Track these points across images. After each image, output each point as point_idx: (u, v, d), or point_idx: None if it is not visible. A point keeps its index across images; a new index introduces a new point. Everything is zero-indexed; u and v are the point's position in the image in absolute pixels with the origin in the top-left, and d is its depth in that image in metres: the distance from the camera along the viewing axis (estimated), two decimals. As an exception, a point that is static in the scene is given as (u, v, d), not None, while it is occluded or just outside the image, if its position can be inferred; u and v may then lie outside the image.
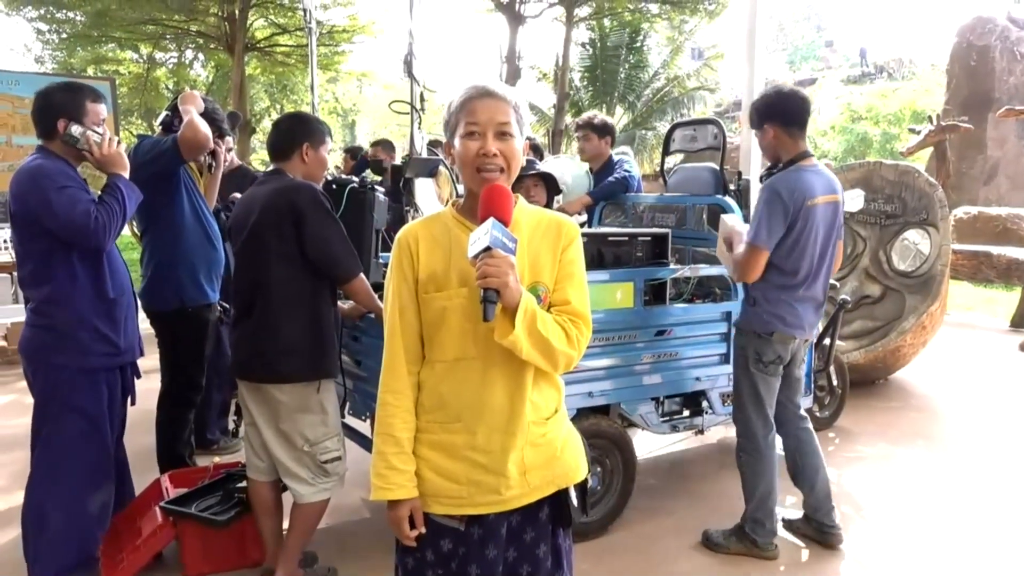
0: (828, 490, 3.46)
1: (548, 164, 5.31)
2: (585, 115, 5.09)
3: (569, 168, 5.17)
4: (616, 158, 4.87)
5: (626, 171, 4.67)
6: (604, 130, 4.89)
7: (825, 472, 3.46)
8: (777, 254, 3.16)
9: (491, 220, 1.53)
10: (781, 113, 3.23)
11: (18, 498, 3.90)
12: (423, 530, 1.70)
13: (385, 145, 7.19)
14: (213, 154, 3.84)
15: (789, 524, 3.59)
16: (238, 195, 3.68)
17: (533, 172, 3.75)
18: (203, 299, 3.69)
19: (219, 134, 3.84)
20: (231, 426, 4.79)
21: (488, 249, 1.50)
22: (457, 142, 1.67)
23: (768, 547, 3.35)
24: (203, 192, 3.85)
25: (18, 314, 6.14)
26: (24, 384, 3.02)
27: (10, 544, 3.46)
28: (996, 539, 3.56)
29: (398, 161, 7.13)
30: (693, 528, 3.59)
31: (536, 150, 6.69)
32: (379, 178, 6.44)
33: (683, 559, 3.34)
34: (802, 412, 3.49)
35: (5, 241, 7.12)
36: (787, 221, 3.11)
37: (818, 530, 3.46)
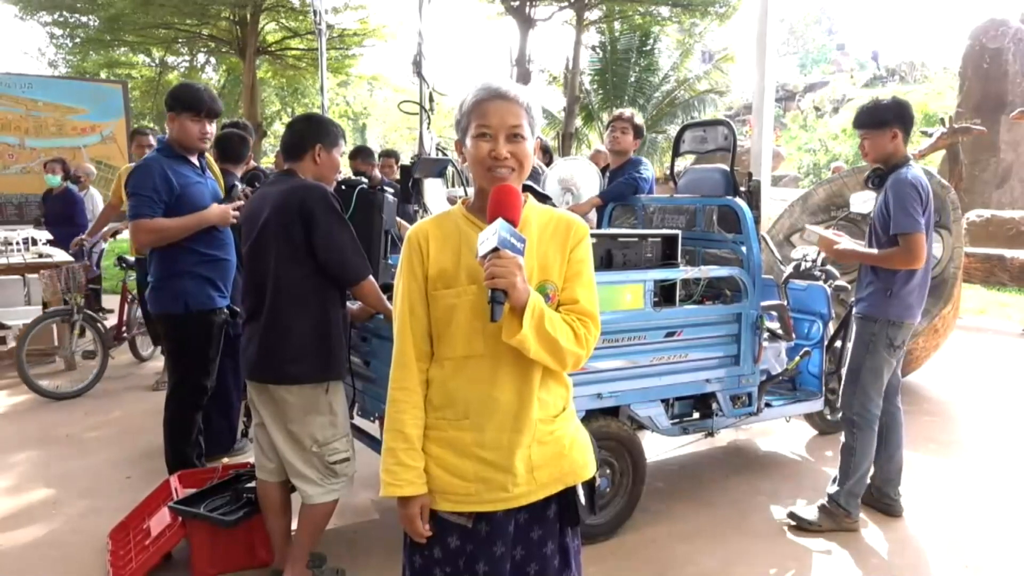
0: (901, 466, 3.80)
1: (560, 166, 5.32)
2: (627, 110, 5.29)
3: (581, 170, 5.17)
4: (634, 159, 4.92)
5: (639, 172, 4.70)
6: (639, 131, 5.05)
7: (902, 450, 3.80)
8: None
9: (499, 220, 1.53)
10: (906, 119, 3.59)
11: (28, 497, 3.95)
12: (432, 524, 1.70)
13: (364, 154, 7.07)
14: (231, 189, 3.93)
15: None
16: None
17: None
18: (209, 304, 3.68)
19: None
20: (241, 427, 4.80)
21: (496, 250, 1.50)
22: (469, 142, 1.67)
23: (857, 519, 3.63)
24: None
25: (29, 315, 6.18)
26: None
27: (18, 542, 3.48)
28: (1010, 542, 3.53)
29: (376, 167, 7.10)
30: (702, 533, 3.57)
31: (545, 151, 6.73)
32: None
33: (692, 564, 3.31)
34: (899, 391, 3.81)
35: (17, 243, 7.16)
36: (922, 209, 3.43)
37: (882, 500, 3.79)
